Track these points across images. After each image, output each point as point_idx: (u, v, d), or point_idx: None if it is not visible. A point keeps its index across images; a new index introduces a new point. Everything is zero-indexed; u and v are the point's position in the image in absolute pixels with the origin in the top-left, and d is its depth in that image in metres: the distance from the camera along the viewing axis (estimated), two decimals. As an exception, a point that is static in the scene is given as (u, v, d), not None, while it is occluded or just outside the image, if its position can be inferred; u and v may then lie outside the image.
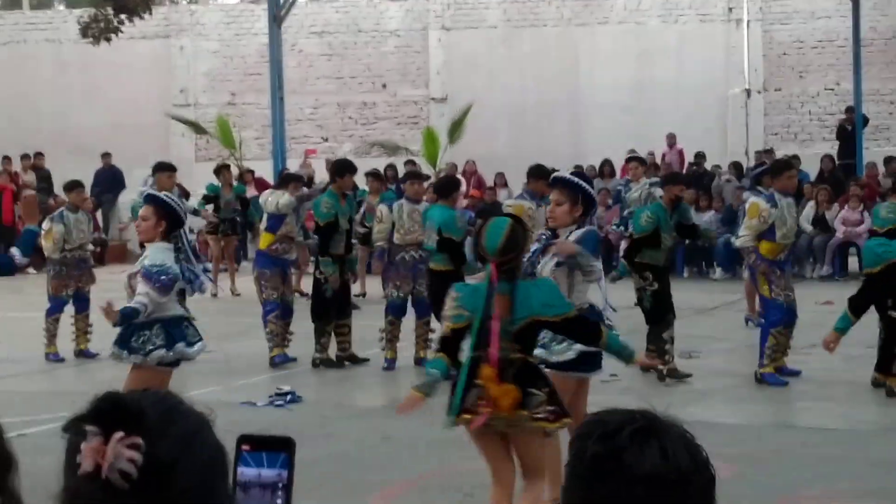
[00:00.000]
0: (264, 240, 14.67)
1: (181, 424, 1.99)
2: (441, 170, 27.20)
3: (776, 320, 12.61)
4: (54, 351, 14.89)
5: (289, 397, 12.09)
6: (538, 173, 13.89)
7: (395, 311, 14.17)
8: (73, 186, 15.49)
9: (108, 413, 1.93)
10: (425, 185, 16.19)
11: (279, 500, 2.11)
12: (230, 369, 14.02)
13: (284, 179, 15.98)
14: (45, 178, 28.60)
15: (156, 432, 1.93)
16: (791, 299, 12.70)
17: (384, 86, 31.96)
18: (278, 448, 2.13)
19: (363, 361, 14.33)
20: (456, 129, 28.42)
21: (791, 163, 14.22)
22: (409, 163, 26.04)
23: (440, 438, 9.64)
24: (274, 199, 14.66)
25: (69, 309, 15.11)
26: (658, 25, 30.90)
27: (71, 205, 15.28)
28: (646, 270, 13.11)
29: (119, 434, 1.90)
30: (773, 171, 13.50)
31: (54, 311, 14.95)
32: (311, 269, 16.00)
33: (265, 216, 14.78)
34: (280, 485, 2.12)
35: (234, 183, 22.23)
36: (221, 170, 21.69)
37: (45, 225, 14.66)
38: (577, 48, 30.88)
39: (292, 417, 11.30)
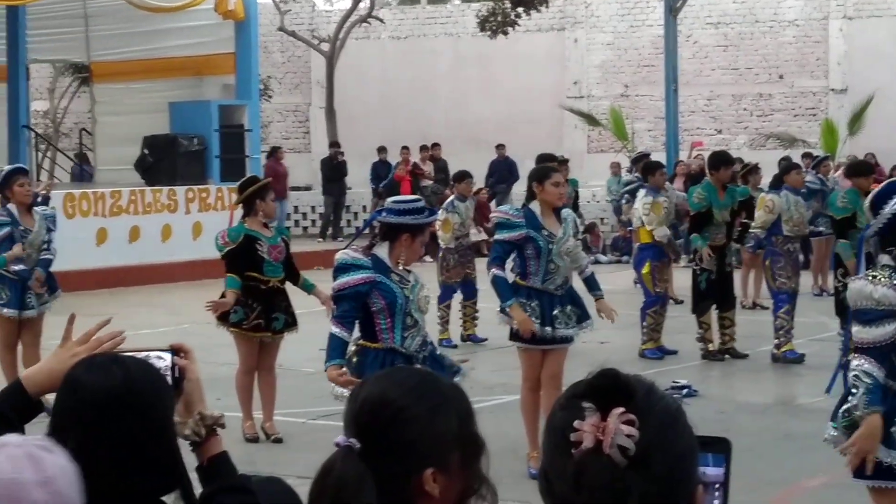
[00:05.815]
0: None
1: (661, 405, 2.02)
2: (840, 164, 26.36)
3: None
4: (447, 337, 15.17)
5: (685, 391, 11.90)
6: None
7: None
8: (463, 177, 15.75)
9: (605, 390, 1.99)
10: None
11: (716, 501, 2.14)
12: (618, 361, 13.92)
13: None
14: (441, 169, 29.20)
15: (642, 411, 1.97)
16: None
17: (781, 77, 31.24)
18: (716, 447, 2.16)
19: (742, 356, 13.96)
20: (856, 120, 27.56)
21: None
22: (807, 155, 25.36)
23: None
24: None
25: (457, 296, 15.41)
26: None
27: (460, 194, 15.55)
28: None
29: (619, 409, 1.96)
30: None
31: (445, 299, 15.24)
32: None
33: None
34: (717, 483, 2.14)
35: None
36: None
37: (441, 215, 14.94)
38: None
39: (689, 412, 11.02)
